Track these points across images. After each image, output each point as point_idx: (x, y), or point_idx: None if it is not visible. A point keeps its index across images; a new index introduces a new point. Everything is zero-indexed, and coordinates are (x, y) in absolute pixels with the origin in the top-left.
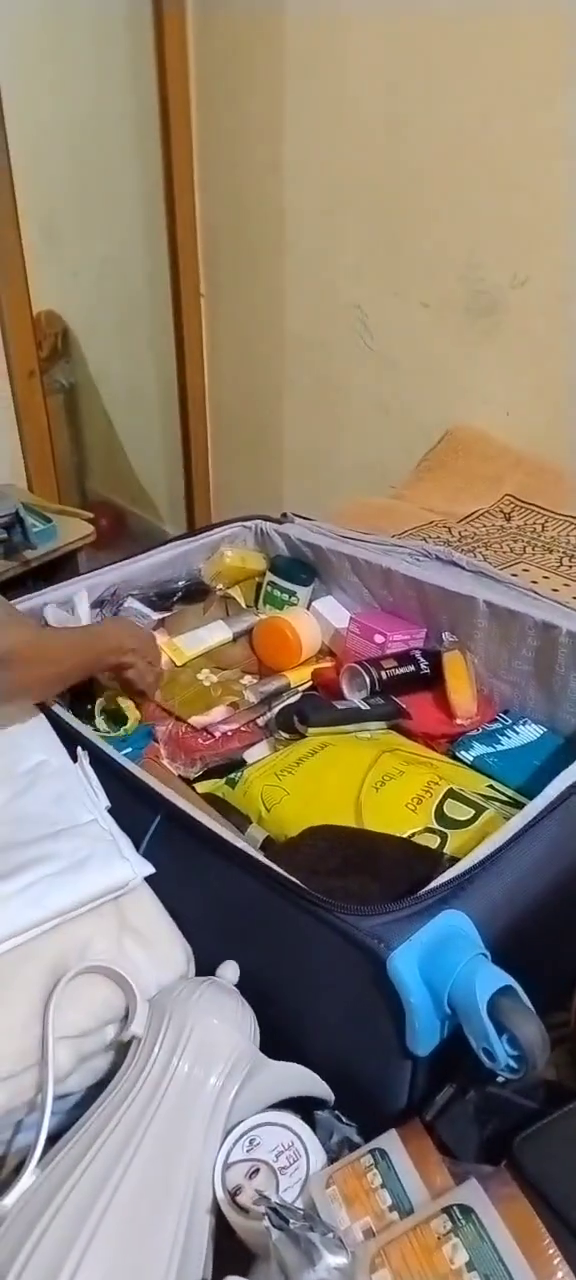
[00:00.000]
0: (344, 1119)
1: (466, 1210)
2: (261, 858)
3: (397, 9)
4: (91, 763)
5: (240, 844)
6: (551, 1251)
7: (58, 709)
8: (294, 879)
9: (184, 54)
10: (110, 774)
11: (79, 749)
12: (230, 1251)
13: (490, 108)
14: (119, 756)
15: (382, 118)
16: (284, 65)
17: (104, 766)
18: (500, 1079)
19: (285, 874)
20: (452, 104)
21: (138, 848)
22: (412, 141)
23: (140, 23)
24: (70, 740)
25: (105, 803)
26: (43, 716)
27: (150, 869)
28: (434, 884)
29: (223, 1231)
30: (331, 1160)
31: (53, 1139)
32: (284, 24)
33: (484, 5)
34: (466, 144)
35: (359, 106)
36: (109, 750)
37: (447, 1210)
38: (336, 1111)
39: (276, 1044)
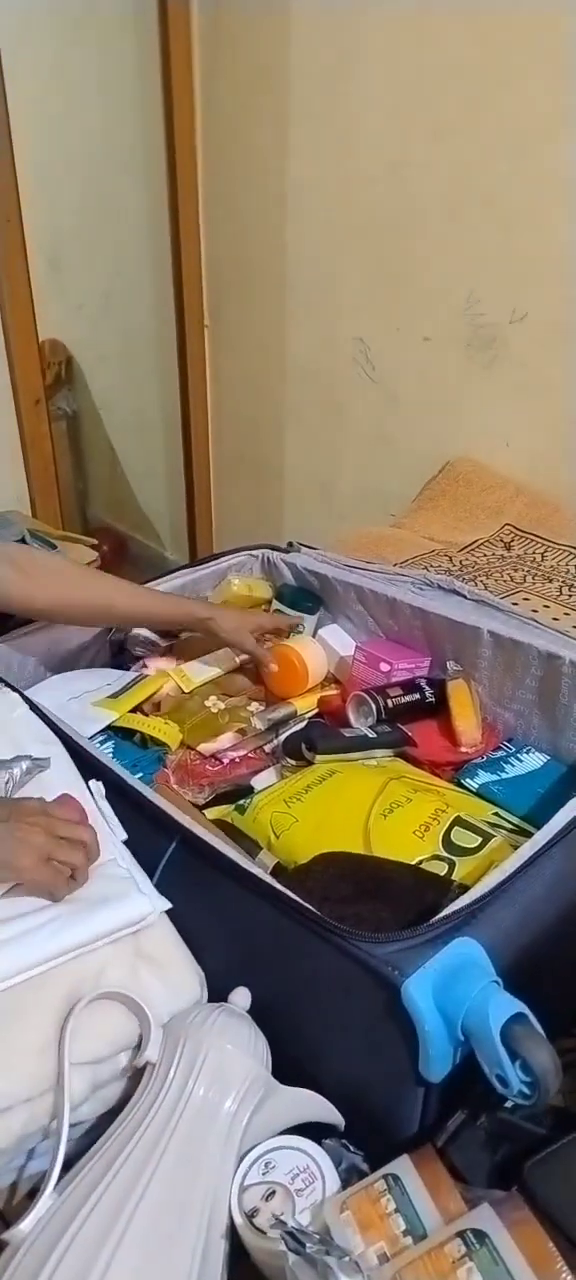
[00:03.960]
0: (351, 1147)
1: (480, 1235)
2: (276, 884)
3: (402, 49)
4: (107, 790)
5: (256, 870)
6: (564, 1276)
7: (76, 737)
8: (308, 905)
9: (190, 88)
10: (126, 801)
11: (92, 781)
12: (241, 1276)
13: (491, 147)
14: (136, 783)
15: (386, 154)
16: (289, 101)
17: (120, 793)
18: (509, 1105)
19: (300, 900)
20: (455, 142)
21: (152, 873)
22: (415, 178)
23: (148, 58)
24: (89, 769)
25: (122, 835)
26: (62, 746)
27: (167, 904)
28: (446, 911)
29: (234, 1255)
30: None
31: (64, 1166)
32: (289, 61)
33: (486, 47)
34: (468, 181)
35: (363, 143)
36: (126, 777)
37: (462, 1235)
38: (343, 1140)
39: (288, 1070)
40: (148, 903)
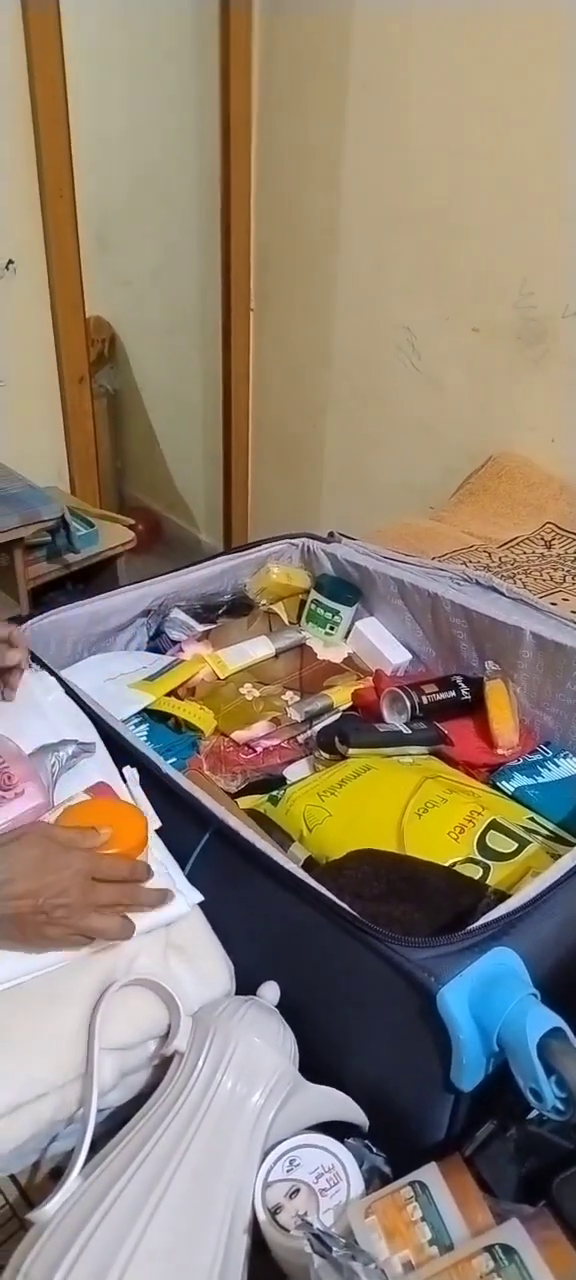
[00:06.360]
0: (373, 1148)
1: (509, 1250)
2: (313, 882)
3: (463, 38)
4: (141, 776)
5: (291, 866)
6: None
7: (111, 722)
8: (343, 904)
9: (248, 71)
10: (160, 788)
11: (127, 769)
12: (259, 1271)
13: (548, 140)
14: (170, 771)
15: (442, 143)
16: (347, 86)
17: (154, 780)
18: (536, 1116)
19: (335, 899)
20: (512, 134)
21: (185, 862)
22: (471, 168)
23: (207, 40)
24: (125, 755)
25: (156, 824)
26: (95, 731)
27: (199, 897)
28: (485, 919)
29: (254, 1249)
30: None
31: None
32: (349, 46)
33: (547, 40)
34: (524, 174)
35: (419, 130)
36: (161, 765)
37: (490, 1249)
38: (366, 1140)
39: (314, 1066)
40: (184, 901)
